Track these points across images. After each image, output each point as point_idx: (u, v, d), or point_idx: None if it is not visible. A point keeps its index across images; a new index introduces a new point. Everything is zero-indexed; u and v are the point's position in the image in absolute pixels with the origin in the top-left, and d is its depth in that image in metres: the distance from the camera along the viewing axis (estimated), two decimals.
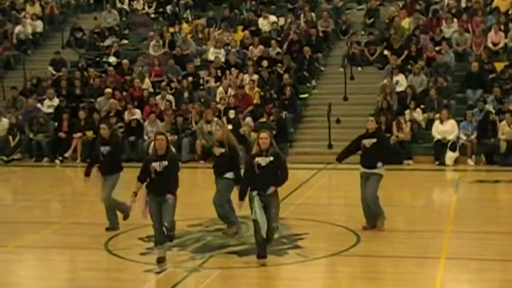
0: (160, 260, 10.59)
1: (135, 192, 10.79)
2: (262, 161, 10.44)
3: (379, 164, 12.15)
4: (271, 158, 10.44)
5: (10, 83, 26.15)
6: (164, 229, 10.50)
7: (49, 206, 16.23)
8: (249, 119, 21.97)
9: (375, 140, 12.23)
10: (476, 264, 10.53)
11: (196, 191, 16.88)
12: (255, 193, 10.39)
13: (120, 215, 12.69)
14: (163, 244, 10.64)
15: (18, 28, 28.80)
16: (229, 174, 12.02)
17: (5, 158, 22.55)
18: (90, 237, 12.35)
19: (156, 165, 10.55)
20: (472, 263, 10.60)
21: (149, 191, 10.66)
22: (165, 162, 10.56)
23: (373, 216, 12.38)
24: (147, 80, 24.74)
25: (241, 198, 10.63)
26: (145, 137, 21.98)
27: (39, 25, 29.44)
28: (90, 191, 15.69)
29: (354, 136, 12.94)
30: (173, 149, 11.90)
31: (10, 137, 22.97)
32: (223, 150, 12.10)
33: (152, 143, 12.14)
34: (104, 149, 12.50)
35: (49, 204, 16.41)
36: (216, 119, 21.81)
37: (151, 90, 24.38)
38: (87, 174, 12.76)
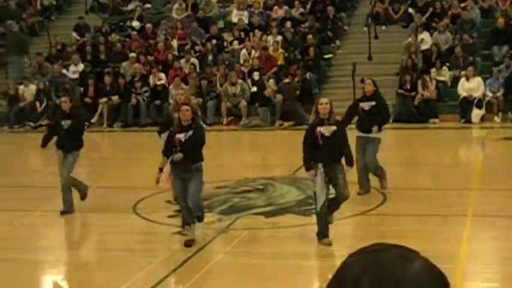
0: (189, 244, 9.76)
1: (161, 168, 10.10)
2: (326, 130, 9.47)
3: (375, 128, 11.92)
4: (335, 127, 9.50)
5: (35, 49, 26.26)
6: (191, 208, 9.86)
7: (77, 171, 16.24)
8: (272, 81, 21.93)
9: (373, 103, 12.09)
10: (503, 221, 10.52)
11: (222, 152, 16.96)
12: (319, 165, 9.39)
13: (76, 196, 12.08)
14: (191, 225, 9.94)
15: None
16: None
17: (32, 124, 22.77)
18: (119, 200, 12.50)
19: (180, 136, 9.86)
20: (499, 220, 10.59)
21: (174, 166, 9.92)
22: (190, 132, 9.87)
23: (368, 181, 12.22)
24: (174, 41, 24.74)
25: (307, 168, 9.62)
26: (170, 101, 22.02)
27: None
28: (117, 155, 15.81)
29: None
30: (200, 120, 11.48)
31: (37, 103, 23.16)
32: None
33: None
34: (65, 123, 11.74)
35: (76, 169, 16.37)
36: (240, 81, 21.81)
37: (175, 53, 24.39)
38: (44, 145, 12.40)
